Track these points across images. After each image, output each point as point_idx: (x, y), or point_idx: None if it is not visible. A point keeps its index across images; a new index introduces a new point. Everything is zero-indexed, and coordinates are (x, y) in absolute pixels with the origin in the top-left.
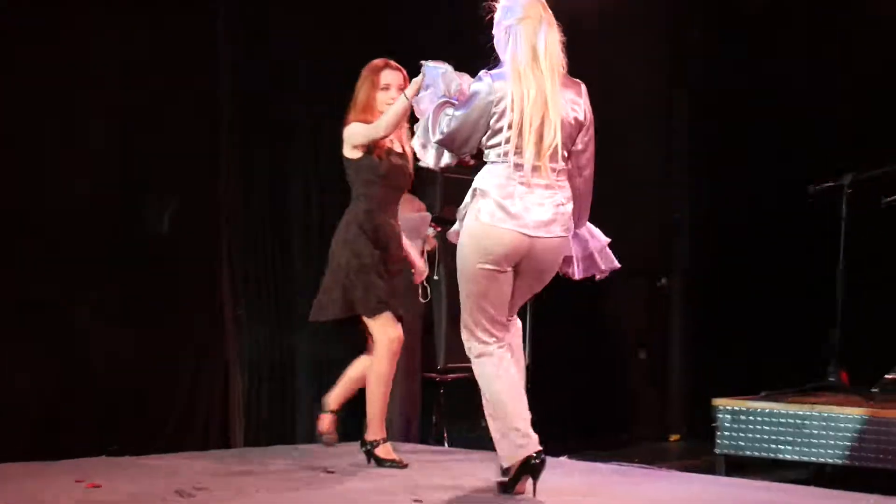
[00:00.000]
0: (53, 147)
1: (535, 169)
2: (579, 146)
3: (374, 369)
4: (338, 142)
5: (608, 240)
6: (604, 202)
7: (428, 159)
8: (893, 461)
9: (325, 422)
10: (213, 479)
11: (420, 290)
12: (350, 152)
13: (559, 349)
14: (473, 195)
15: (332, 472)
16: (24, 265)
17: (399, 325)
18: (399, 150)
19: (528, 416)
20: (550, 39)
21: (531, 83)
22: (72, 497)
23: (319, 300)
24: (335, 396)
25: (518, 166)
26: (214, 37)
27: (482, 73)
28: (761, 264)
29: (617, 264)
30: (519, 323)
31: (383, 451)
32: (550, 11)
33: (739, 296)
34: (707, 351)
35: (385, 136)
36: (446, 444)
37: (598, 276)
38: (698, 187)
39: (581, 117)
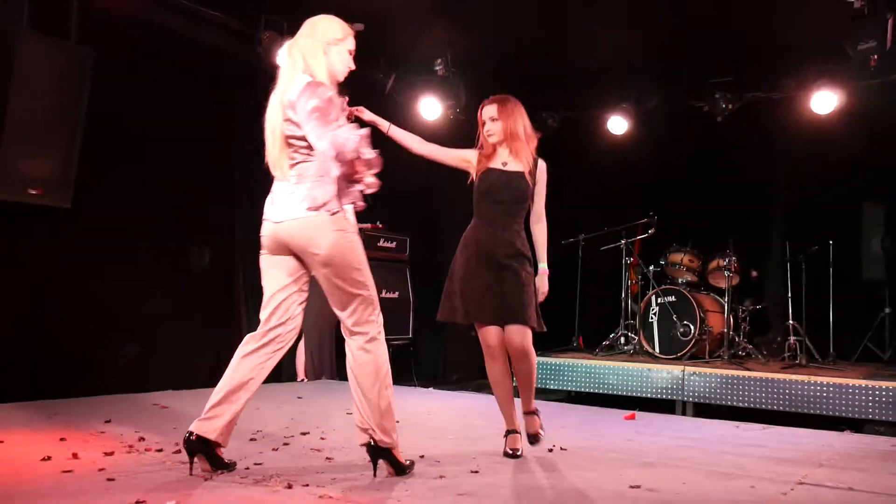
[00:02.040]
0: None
1: (272, 166)
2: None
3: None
4: None
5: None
6: None
7: None
8: (605, 388)
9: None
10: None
11: None
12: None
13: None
14: None
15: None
16: (123, 273)
17: (488, 331)
18: (504, 167)
19: (218, 398)
20: (292, 48)
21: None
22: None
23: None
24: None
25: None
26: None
27: None
28: None
29: None
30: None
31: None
32: (313, 22)
33: None
34: None
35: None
36: None
37: None
38: None
39: (292, 116)
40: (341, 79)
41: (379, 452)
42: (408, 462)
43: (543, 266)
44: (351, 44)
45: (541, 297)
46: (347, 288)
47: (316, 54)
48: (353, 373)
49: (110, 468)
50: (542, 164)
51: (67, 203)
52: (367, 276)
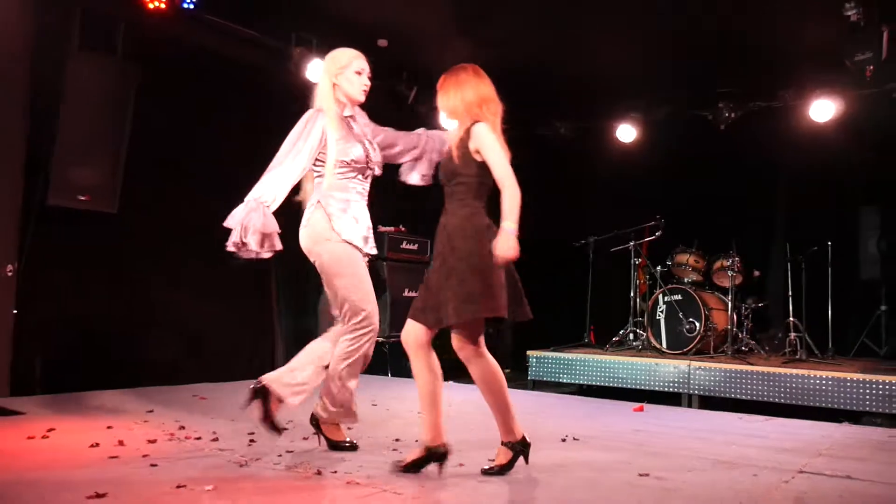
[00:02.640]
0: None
1: None
2: None
3: None
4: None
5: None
6: None
7: None
8: (615, 381)
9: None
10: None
11: None
12: None
13: None
14: None
15: None
16: (165, 273)
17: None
18: (453, 150)
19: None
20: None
21: None
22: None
23: None
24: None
25: None
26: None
27: None
28: (552, 281)
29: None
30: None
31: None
32: (328, 57)
33: (543, 298)
34: (524, 324)
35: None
36: None
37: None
38: None
39: None
40: (361, 99)
41: (315, 423)
42: (347, 442)
43: (504, 224)
44: (358, 66)
45: (497, 261)
46: (334, 291)
47: (324, 88)
48: (332, 354)
49: (153, 454)
50: (476, 128)
51: (114, 209)
52: (350, 283)
